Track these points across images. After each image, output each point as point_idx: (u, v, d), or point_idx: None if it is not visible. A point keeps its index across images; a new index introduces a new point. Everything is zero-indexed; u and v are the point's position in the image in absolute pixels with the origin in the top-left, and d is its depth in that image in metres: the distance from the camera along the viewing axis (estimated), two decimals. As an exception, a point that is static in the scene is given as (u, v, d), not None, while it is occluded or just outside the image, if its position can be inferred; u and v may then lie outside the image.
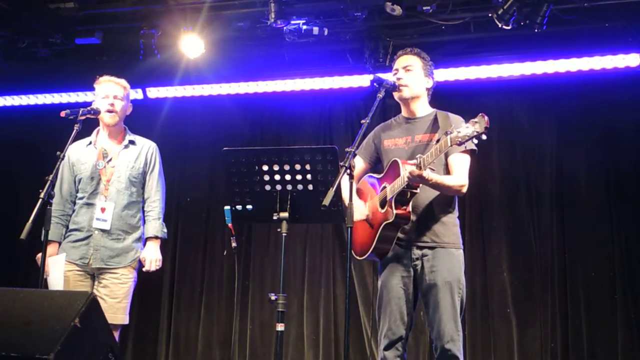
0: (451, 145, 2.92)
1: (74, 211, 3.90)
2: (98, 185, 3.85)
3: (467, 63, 5.38)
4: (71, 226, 3.87)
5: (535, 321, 5.26)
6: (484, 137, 2.82)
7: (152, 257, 3.83)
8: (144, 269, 3.86)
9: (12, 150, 6.49)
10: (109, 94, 3.88)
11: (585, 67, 5.16)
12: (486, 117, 2.80)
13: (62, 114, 3.64)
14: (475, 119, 2.83)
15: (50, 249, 3.76)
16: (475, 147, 3.21)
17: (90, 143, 3.96)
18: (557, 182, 5.42)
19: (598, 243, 5.26)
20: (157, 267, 3.86)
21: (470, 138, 2.84)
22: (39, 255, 3.72)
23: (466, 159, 3.28)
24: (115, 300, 3.73)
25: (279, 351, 2.84)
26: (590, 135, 5.41)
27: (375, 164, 3.59)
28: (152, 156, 3.99)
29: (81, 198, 3.88)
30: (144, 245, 3.92)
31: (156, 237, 3.89)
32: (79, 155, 3.92)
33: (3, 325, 2.62)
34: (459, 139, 2.86)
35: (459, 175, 3.26)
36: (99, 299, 3.62)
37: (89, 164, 3.89)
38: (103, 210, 3.80)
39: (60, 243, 3.86)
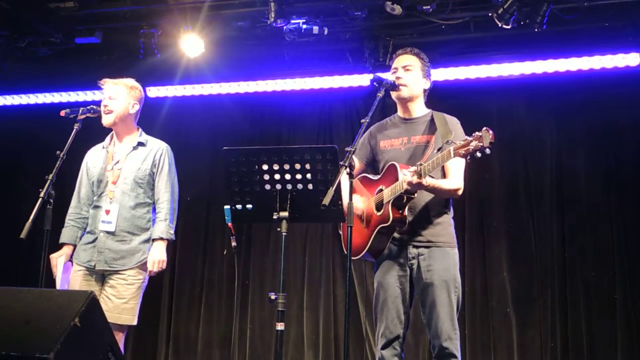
0: (454, 157, 2.91)
1: None
2: (105, 188, 3.85)
3: (467, 62, 5.38)
4: (87, 229, 3.89)
5: (535, 321, 5.26)
6: (487, 151, 2.82)
7: (155, 259, 3.76)
8: (148, 273, 3.82)
9: (12, 149, 6.49)
10: (105, 95, 3.90)
11: (585, 66, 5.16)
12: (491, 132, 2.79)
13: (62, 113, 3.66)
14: (480, 133, 2.81)
15: (66, 250, 3.83)
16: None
17: (104, 147, 3.98)
18: (557, 181, 5.41)
19: (598, 243, 5.26)
20: (161, 269, 3.81)
21: (475, 152, 2.84)
22: (52, 255, 3.78)
23: (462, 162, 3.28)
24: (122, 301, 3.70)
25: (278, 350, 2.85)
26: (591, 134, 5.40)
27: (371, 164, 3.58)
28: (161, 157, 3.94)
29: (94, 201, 3.90)
30: None
31: (161, 239, 3.83)
32: (92, 160, 3.95)
33: (3, 324, 2.62)
34: (463, 152, 2.85)
35: (455, 178, 3.27)
36: (105, 298, 3.66)
37: (98, 167, 3.90)
38: (107, 212, 3.78)
39: (75, 246, 3.86)
